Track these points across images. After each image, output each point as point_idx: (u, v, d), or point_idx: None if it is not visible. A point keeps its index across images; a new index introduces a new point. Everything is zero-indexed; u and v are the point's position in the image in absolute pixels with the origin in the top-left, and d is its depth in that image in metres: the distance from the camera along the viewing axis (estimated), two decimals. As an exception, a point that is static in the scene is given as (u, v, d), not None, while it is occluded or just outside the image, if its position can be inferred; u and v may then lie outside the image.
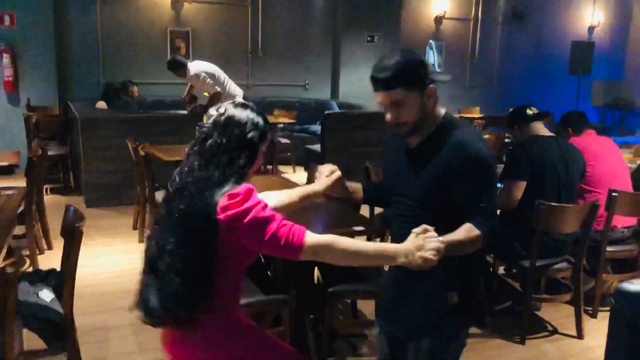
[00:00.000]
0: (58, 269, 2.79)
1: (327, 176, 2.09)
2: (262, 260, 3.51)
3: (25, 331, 2.51)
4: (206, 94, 6.55)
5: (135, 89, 7.35)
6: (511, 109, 4.00)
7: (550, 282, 3.86)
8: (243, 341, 1.81)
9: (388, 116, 1.84)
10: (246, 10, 8.93)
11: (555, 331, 3.56)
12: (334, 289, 2.97)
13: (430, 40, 10.32)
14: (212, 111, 1.78)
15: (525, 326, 3.42)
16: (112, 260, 4.54)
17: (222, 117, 1.73)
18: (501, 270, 4.07)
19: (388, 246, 1.75)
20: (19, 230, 4.17)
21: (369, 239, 3.80)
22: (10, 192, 3.33)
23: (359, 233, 3.08)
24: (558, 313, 3.75)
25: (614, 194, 3.49)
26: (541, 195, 3.27)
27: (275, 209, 1.74)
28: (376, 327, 2.17)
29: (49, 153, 5.49)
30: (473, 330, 3.49)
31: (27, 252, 4.27)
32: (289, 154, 7.96)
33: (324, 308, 3.02)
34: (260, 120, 1.78)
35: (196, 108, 6.66)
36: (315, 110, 8.81)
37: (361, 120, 7.36)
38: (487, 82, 10.90)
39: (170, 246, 1.67)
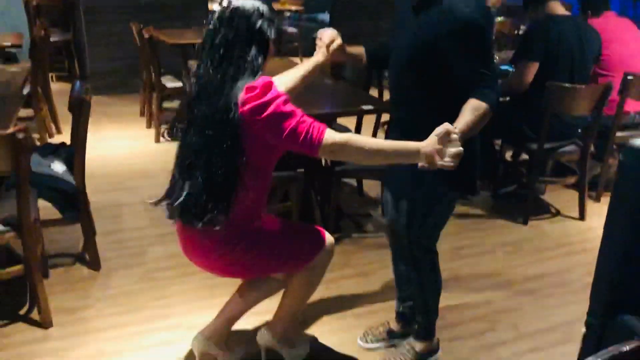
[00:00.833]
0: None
1: (327, 45, 2.02)
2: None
3: (41, 203, 2.58)
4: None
5: None
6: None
7: (556, 167, 3.89)
8: (260, 245, 1.85)
9: None
10: None
11: (558, 213, 3.63)
12: (341, 168, 3.01)
13: None
14: (216, 6, 1.76)
15: (529, 208, 3.48)
16: (121, 144, 4.58)
17: (227, 11, 1.71)
18: (508, 157, 4.08)
19: (408, 145, 1.66)
20: (27, 113, 4.19)
21: (378, 118, 3.80)
22: (14, 69, 3.30)
23: (368, 112, 3.07)
24: (562, 197, 3.80)
25: (629, 77, 3.41)
26: (554, 77, 3.21)
27: None
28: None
29: (52, 39, 5.38)
30: (475, 209, 3.61)
31: (37, 136, 4.31)
32: (295, 44, 7.74)
33: (331, 188, 3.08)
34: (265, 8, 1.75)
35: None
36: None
37: (371, 8, 7.11)
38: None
39: (198, 147, 1.70)
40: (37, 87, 4.15)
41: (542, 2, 3.39)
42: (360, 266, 2.92)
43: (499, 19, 5.38)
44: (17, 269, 2.28)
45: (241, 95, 1.63)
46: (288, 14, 7.79)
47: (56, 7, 6.85)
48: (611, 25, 3.71)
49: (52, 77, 5.94)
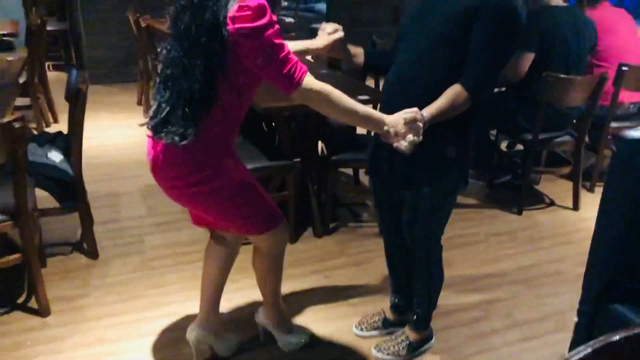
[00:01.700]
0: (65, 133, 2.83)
1: (329, 34, 2.03)
2: (266, 129, 3.55)
3: (39, 193, 2.59)
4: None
5: None
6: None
7: (551, 157, 3.91)
8: (223, 164, 1.78)
9: None
10: None
11: (552, 203, 3.65)
12: (337, 157, 3.03)
13: None
14: None
15: (523, 197, 3.51)
16: (118, 133, 4.59)
17: None
18: (503, 147, 4.10)
19: (375, 114, 1.74)
20: (24, 102, 4.19)
21: (374, 108, 3.80)
22: (11, 58, 3.29)
23: (364, 102, 3.07)
24: (556, 187, 3.83)
25: (623, 68, 3.43)
26: (549, 67, 3.22)
27: None
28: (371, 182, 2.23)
29: (49, 28, 5.36)
30: (470, 199, 3.63)
31: (34, 125, 4.31)
32: (293, 34, 7.72)
33: (327, 177, 3.10)
34: None
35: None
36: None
37: (368, -2, 7.09)
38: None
39: (178, 59, 1.64)
40: (33, 76, 4.15)
41: (540, -9, 3.40)
42: (356, 255, 2.94)
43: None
44: (15, 257, 2.30)
45: (231, 11, 1.54)
46: (285, 3, 7.77)
47: (53, -5, 6.84)
48: (607, 16, 3.72)
49: (48, 66, 5.94)
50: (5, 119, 2.06)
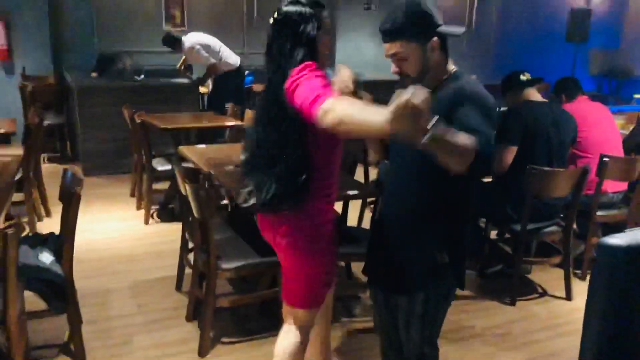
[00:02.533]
0: (57, 233, 2.84)
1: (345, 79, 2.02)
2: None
3: (25, 293, 2.56)
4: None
5: (128, 60, 7.32)
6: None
7: (541, 246, 3.94)
8: (321, 236, 2.08)
9: (392, 67, 1.86)
10: (242, -22, 8.81)
11: (545, 293, 3.64)
12: (329, 251, 3.03)
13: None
14: (272, 16, 2.02)
15: (516, 288, 3.50)
16: (110, 226, 4.60)
17: (276, 22, 1.98)
18: (493, 235, 4.13)
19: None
20: (17, 197, 4.22)
21: (363, 204, 3.87)
22: (7, 158, 3.36)
23: (353, 197, 3.14)
24: (548, 276, 3.83)
25: (605, 159, 3.54)
26: (532, 160, 3.32)
27: None
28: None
29: (46, 122, 5.50)
30: (464, 292, 3.61)
31: (26, 220, 4.32)
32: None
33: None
34: (307, 9, 1.95)
35: (191, 77, 6.65)
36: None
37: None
38: (485, 51, 10.82)
39: (262, 140, 1.99)
40: (28, 173, 4.21)
41: (520, 88, 3.56)
42: (350, 353, 2.89)
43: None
44: (0, 365, 2.24)
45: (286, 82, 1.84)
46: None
47: (50, 90, 7.06)
48: (585, 109, 3.88)
49: (43, 158, 6.03)
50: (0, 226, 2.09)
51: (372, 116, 1.46)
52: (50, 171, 5.62)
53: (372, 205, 3.84)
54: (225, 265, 2.80)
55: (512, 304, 3.46)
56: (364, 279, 3.61)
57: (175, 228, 4.26)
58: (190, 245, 3.27)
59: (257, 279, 3.17)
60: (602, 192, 3.67)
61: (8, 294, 2.16)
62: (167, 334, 3.03)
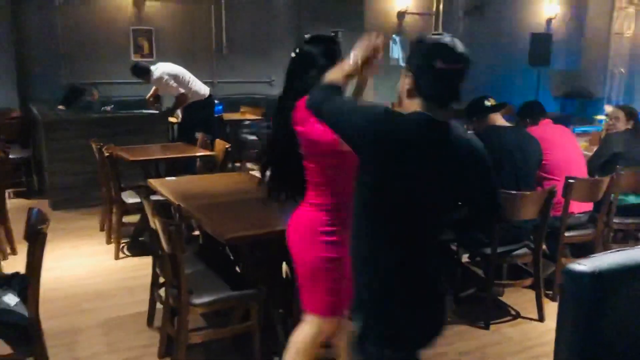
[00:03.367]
0: (22, 272, 2.76)
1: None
2: (231, 256, 3.54)
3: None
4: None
5: (96, 92, 7.27)
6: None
7: (512, 268, 3.98)
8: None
9: None
10: (209, 8, 8.88)
11: (517, 315, 3.67)
12: (302, 282, 3.02)
13: (394, 35, 10.42)
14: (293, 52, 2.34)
15: (489, 312, 3.53)
16: (79, 262, 4.50)
17: (296, 57, 2.32)
18: (465, 258, 4.17)
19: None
20: (-19, 235, 4.12)
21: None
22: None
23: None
24: (520, 298, 3.87)
25: (570, 180, 3.62)
26: (500, 184, 3.36)
27: None
28: None
29: (11, 156, 5.40)
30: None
31: (-10, 257, 4.21)
32: (256, 150, 7.96)
33: (293, 302, 3.07)
34: (321, 50, 2.30)
35: (160, 108, 6.63)
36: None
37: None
38: (451, 75, 11.04)
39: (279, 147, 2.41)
40: (-7, 210, 4.11)
41: (485, 114, 3.64)
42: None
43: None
44: (-38, 414, 2.16)
45: None
46: (248, 122, 8.06)
47: (16, 123, 6.96)
48: (549, 132, 3.97)
49: (9, 194, 5.89)
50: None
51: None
52: (17, 206, 5.50)
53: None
54: (197, 301, 2.76)
55: (486, 327, 3.47)
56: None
57: (146, 262, 4.18)
58: (162, 279, 3.23)
59: (230, 312, 3.13)
60: (569, 213, 3.74)
61: (-30, 339, 2.09)
62: (139, 372, 2.95)
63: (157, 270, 3.26)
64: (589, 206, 3.96)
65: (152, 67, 6.28)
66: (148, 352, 3.13)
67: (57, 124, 6.02)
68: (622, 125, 4.38)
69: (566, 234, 3.76)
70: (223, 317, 3.23)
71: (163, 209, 4.00)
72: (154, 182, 3.80)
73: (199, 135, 5.52)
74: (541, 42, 10.26)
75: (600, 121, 8.37)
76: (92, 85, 7.32)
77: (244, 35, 9.17)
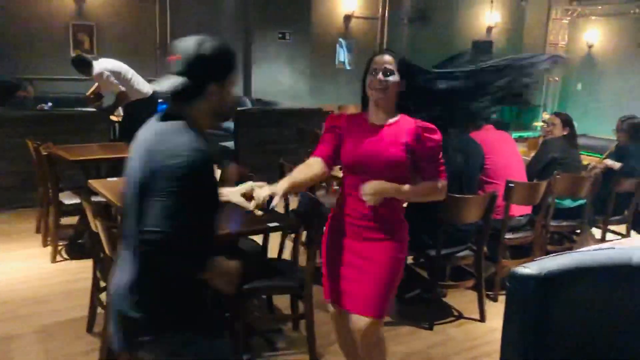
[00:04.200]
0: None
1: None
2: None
3: None
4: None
5: (30, 88, 6.95)
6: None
7: (455, 270, 4.08)
8: None
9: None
10: (154, 4, 8.68)
11: (460, 316, 3.77)
12: (249, 285, 2.99)
13: (340, 39, 10.51)
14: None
15: (433, 313, 3.60)
16: (13, 266, 4.30)
17: None
18: (410, 259, 4.24)
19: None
20: None
21: (284, 235, 3.85)
22: None
23: (274, 229, 3.12)
24: (463, 298, 3.97)
25: (510, 184, 3.74)
26: (445, 188, 3.44)
27: None
28: None
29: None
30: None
31: None
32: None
33: (240, 305, 3.03)
34: None
35: (101, 106, 6.41)
36: (226, 103, 8.72)
37: (275, 117, 7.39)
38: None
39: None
40: None
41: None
42: (273, 388, 2.84)
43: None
44: None
45: None
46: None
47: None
48: (491, 137, 4.09)
49: (-64, 194, 5.57)
50: None
51: None
52: (-56, 208, 5.20)
53: (292, 236, 3.83)
54: (142, 305, 2.68)
55: (430, 328, 3.54)
56: (285, 311, 3.60)
57: (86, 265, 4.03)
58: (103, 284, 3.12)
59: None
60: (509, 216, 3.86)
61: None
62: (78, 381, 2.85)
63: (98, 274, 3.15)
64: (528, 209, 4.11)
65: (94, 62, 6.05)
66: (88, 359, 3.02)
67: (-10, 120, 5.73)
68: (559, 131, 4.57)
69: (506, 236, 3.89)
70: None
71: (105, 210, 3.89)
72: (94, 183, 3.67)
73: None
74: (482, 49, 10.59)
75: (537, 127, 8.74)
76: (28, 81, 6.98)
77: (189, 33, 8.94)
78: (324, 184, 5.42)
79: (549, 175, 4.13)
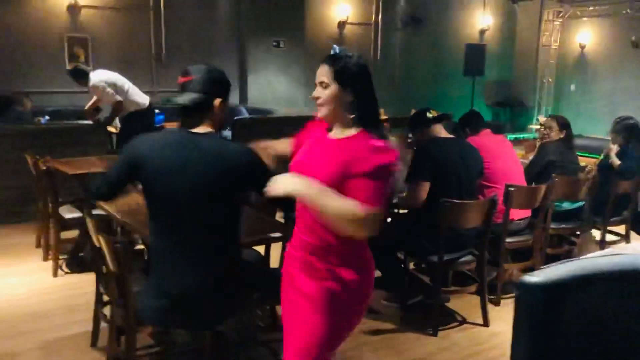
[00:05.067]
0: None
1: None
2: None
3: None
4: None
5: (27, 102, 6.95)
6: (413, 111, 4.19)
7: (457, 275, 4.09)
8: None
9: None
10: (148, 15, 8.70)
11: (464, 321, 3.77)
12: (256, 295, 2.99)
13: (334, 45, 10.54)
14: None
15: (436, 318, 3.61)
16: (14, 282, 4.28)
17: None
18: (412, 265, 4.25)
19: None
20: None
21: (284, 245, 3.84)
22: None
23: (276, 240, 3.13)
24: (466, 303, 3.97)
25: (510, 188, 3.76)
26: (444, 193, 3.45)
27: None
28: None
29: (-64, 170, 5.08)
30: (387, 324, 3.67)
31: None
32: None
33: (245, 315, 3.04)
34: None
35: (99, 119, 6.41)
36: (224, 116, 8.75)
37: (271, 125, 7.39)
38: (389, 84, 11.30)
39: None
40: None
41: (426, 126, 3.73)
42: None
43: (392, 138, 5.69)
44: None
45: None
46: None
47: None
48: (489, 143, 4.12)
49: None
50: None
51: None
52: (-58, 224, 5.18)
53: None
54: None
55: (434, 334, 3.55)
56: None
57: (87, 279, 4.03)
58: (106, 298, 3.12)
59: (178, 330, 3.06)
60: (509, 219, 3.88)
61: None
62: (84, 397, 2.84)
63: (101, 289, 3.14)
64: (527, 213, 4.13)
65: (91, 73, 6.06)
66: (92, 375, 3.01)
67: (-13, 135, 5.72)
68: (556, 134, 4.59)
69: (507, 240, 3.90)
70: (172, 335, 3.16)
71: (107, 225, 3.88)
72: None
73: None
74: (475, 53, 10.64)
75: (533, 129, 8.78)
76: (24, 95, 6.98)
77: (184, 43, 9.04)
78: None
79: (547, 178, 4.15)
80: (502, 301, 3.99)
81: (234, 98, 9.51)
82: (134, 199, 3.68)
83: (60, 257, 4.51)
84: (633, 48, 10.02)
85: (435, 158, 3.53)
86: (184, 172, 2.24)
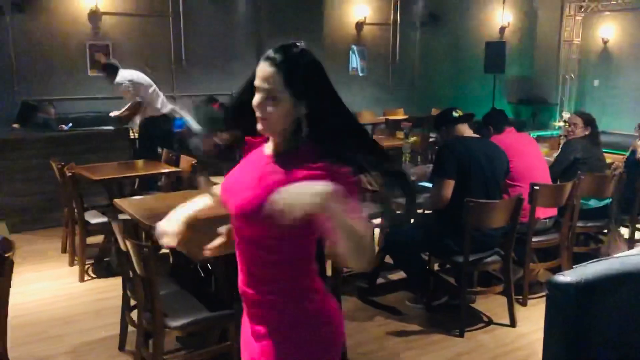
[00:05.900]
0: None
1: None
2: (202, 273, 3.49)
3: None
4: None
5: (52, 109, 7.07)
6: (436, 111, 4.17)
7: (482, 275, 4.05)
8: None
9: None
10: (168, 21, 8.77)
11: (490, 321, 3.73)
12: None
13: (353, 45, 10.53)
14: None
15: (463, 319, 3.57)
16: (42, 287, 4.34)
17: None
18: (436, 266, 4.22)
19: None
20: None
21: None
22: None
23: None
24: (492, 304, 3.92)
25: (535, 187, 3.71)
26: (469, 193, 3.42)
27: None
28: None
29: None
30: (412, 325, 3.65)
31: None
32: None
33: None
34: None
35: (132, 125, 6.53)
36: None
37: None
38: (409, 84, 11.25)
39: None
40: (-52, 236, 3.92)
41: (451, 125, 3.70)
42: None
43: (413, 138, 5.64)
44: None
45: None
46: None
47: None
48: (513, 140, 4.07)
49: (-37, 218, 5.65)
50: None
51: None
52: (-28, 231, 5.27)
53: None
54: (173, 323, 2.70)
55: (461, 335, 3.51)
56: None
57: (114, 283, 4.09)
58: (133, 302, 3.14)
59: (206, 333, 3.07)
60: (535, 218, 3.82)
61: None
62: (113, 400, 2.86)
63: (128, 293, 3.17)
64: (553, 211, 4.07)
65: (119, 71, 6.25)
66: (120, 379, 3.04)
67: (13, 143, 5.82)
68: (580, 131, 4.52)
69: (533, 239, 3.85)
70: (199, 337, 3.17)
71: (133, 230, 3.91)
72: (120, 202, 3.71)
73: (162, 151, 5.42)
74: (495, 50, 10.52)
75: (557, 127, 8.66)
76: (48, 102, 7.09)
77: (204, 48, 9.10)
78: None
79: (572, 176, 4.08)
80: (529, 301, 3.93)
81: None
82: (159, 202, 3.71)
83: (87, 262, 4.57)
84: (657, 41, 9.83)
85: (459, 156, 3.50)
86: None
